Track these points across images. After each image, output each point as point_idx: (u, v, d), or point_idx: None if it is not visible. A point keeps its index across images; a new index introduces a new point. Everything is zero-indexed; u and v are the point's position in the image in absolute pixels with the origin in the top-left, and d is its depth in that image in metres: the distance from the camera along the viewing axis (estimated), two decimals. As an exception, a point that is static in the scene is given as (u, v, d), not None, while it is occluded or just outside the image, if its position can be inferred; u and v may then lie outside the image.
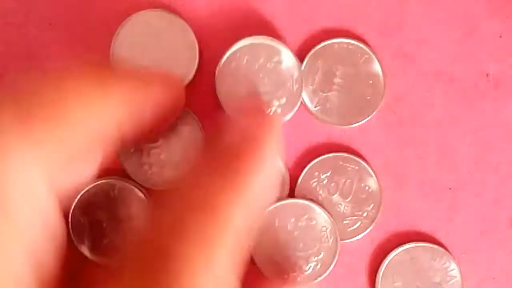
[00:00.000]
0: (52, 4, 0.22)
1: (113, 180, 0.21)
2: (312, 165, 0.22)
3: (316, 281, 0.22)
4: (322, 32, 0.22)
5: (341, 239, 0.22)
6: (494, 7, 0.22)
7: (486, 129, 0.22)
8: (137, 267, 0.14)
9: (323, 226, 0.22)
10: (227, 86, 0.22)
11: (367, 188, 0.22)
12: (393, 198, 0.22)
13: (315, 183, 0.22)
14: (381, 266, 0.22)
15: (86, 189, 0.21)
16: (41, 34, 0.22)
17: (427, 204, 0.22)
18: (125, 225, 0.21)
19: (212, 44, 0.22)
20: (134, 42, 0.22)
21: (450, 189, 0.22)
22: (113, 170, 0.21)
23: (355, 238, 0.22)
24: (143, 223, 0.16)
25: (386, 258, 0.22)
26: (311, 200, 0.22)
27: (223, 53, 0.22)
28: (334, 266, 0.22)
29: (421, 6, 0.22)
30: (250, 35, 0.22)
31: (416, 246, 0.22)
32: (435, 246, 0.22)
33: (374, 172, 0.22)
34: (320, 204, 0.22)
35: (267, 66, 0.22)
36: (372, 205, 0.22)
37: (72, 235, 0.20)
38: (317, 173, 0.22)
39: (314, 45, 0.22)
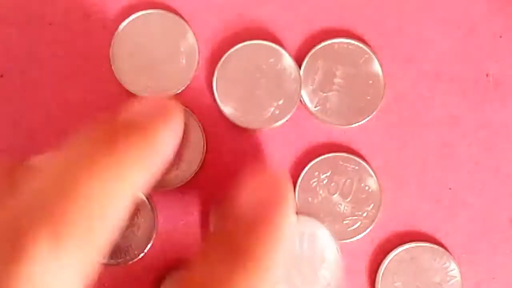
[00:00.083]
0: (52, 4, 0.22)
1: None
2: (312, 165, 0.22)
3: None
4: (322, 32, 0.22)
5: (341, 239, 0.22)
6: (494, 7, 0.22)
7: (486, 129, 0.22)
8: None
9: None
10: (226, 87, 0.22)
11: (367, 188, 0.22)
12: (393, 198, 0.22)
13: (315, 183, 0.22)
14: (381, 266, 0.22)
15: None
16: (41, 34, 0.22)
17: (427, 204, 0.22)
18: (127, 227, 0.21)
19: (211, 44, 0.22)
20: (134, 42, 0.22)
21: (450, 189, 0.22)
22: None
23: (355, 238, 0.22)
24: None
25: (386, 258, 0.22)
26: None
27: (222, 53, 0.22)
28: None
29: (421, 6, 0.22)
30: (249, 35, 0.22)
31: (416, 246, 0.22)
32: (435, 246, 0.22)
33: (374, 172, 0.22)
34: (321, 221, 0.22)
35: (264, 67, 0.22)
36: (372, 205, 0.22)
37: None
38: (317, 173, 0.22)
39: (314, 45, 0.22)
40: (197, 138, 0.22)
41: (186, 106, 0.22)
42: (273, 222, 0.16)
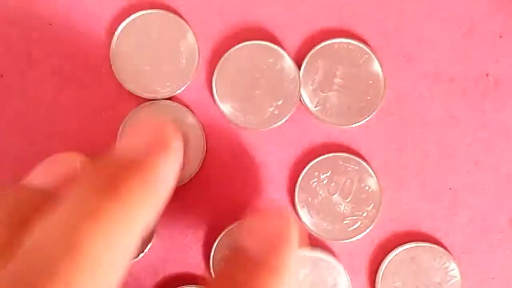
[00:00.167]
0: (52, 4, 0.22)
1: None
2: (312, 165, 0.22)
3: None
4: (322, 32, 0.22)
5: (341, 239, 0.22)
6: (494, 7, 0.22)
7: (486, 129, 0.22)
8: None
9: None
10: (226, 87, 0.22)
11: (367, 188, 0.22)
12: (393, 198, 0.22)
13: (315, 183, 0.22)
14: (381, 266, 0.22)
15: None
16: (41, 34, 0.22)
17: (427, 204, 0.22)
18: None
19: (211, 44, 0.22)
20: (134, 42, 0.22)
21: (450, 189, 0.22)
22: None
23: (355, 238, 0.22)
24: None
25: (386, 258, 0.22)
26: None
27: (222, 53, 0.22)
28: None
29: (421, 6, 0.22)
30: (249, 35, 0.22)
31: (416, 246, 0.22)
32: (435, 246, 0.22)
33: (374, 172, 0.22)
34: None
35: (264, 67, 0.22)
36: (372, 205, 0.22)
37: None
38: (317, 173, 0.22)
39: (314, 45, 0.22)
40: (197, 138, 0.22)
41: (186, 106, 0.22)
42: (278, 268, 0.16)
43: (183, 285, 0.22)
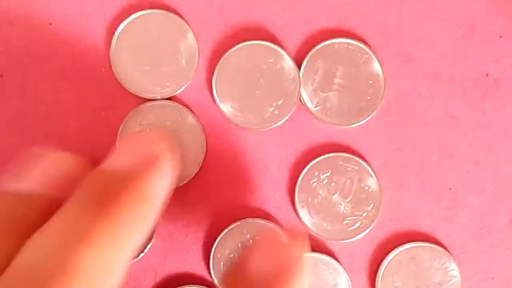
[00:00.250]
0: (52, 4, 0.22)
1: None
2: (312, 165, 0.22)
3: None
4: (322, 32, 0.22)
5: (341, 239, 0.22)
6: (494, 6, 0.22)
7: (486, 129, 0.22)
8: None
9: None
10: (226, 87, 0.22)
11: (367, 188, 0.22)
12: (393, 198, 0.22)
13: (315, 183, 0.22)
14: (381, 266, 0.22)
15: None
16: (41, 34, 0.22)
17: (427, 204, 0.22)
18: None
19: (211, 44, 0.22)
20: (134, 42, 0.22)
21: (450, 189, 0.22)
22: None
23: (355, 238, 0.22)
24: None
25: (386, 258, 0.22)
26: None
27: (222, 53, 0.22)
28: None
29: (421, 6, 0.22)
30: (249, 35, 0.22)
31: (416, 246, 0.22)
32: (435, 246, 0.22)
33: (374, 172, 0.22)
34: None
35: (264, 67, 0.22)
36: (372, 205, 0.22)
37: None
38: (317, 173, 0.22)
39: (314, 45, 0.22)
40: (197, 138, 0.22)
41: (186, 106, 0.22)
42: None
43: (183, 285, 0.22)
